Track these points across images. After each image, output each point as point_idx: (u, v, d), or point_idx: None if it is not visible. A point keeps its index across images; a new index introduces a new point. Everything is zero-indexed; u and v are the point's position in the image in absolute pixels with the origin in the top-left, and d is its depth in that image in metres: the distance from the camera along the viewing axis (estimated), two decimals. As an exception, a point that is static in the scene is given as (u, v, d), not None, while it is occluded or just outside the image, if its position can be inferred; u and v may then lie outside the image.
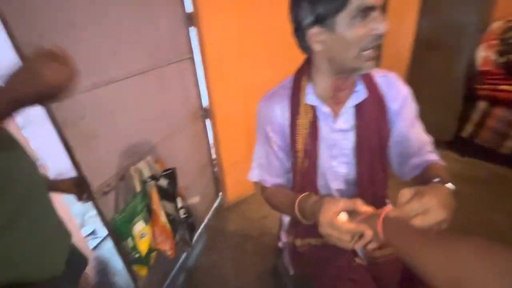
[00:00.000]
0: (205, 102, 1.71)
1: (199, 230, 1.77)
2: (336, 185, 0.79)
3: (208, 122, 1.78)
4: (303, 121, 0.71)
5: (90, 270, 1.52)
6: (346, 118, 0.71)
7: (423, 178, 0.65)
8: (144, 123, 1.21)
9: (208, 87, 1.64)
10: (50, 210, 0.69)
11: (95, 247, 1.79)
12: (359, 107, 0.70)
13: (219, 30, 1.51)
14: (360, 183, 0.75)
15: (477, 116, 2.13)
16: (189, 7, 1.43)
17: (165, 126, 1.37)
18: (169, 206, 1.16)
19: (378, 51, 0.59)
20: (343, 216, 0.53)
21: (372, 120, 0.70)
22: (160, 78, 1.28)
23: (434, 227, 0.46)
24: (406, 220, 0.47)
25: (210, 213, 1.96)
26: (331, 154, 0.74)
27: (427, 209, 0.46)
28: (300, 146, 0.72)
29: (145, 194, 1.10)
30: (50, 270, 0.65)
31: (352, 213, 0.54)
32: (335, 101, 0.71)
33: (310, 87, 0.70)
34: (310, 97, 0.70)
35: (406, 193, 0.50)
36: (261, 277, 1.46)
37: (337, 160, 0.75)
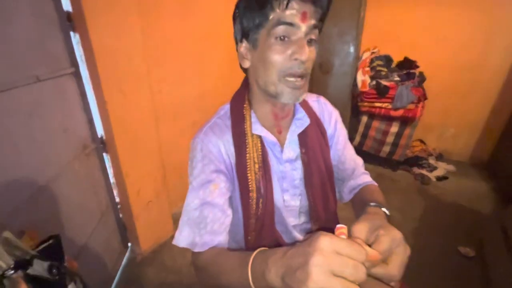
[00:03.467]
0: (100, 131, 1.29)
1: (104, 305, 1.29)
2: (292, 221, 0.71)
3: (106, 156, 1.35)
4: (253, 154, 0.61)
5: None
6: (292, 147, 0.67)
7: (360, 201, 0.66)
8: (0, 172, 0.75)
9: (103, 111, 1.25)
10: None
11: None
12: (302, 135, 0.67)
13: (114, 35, 1.17)
14: (314, 214, 0.70)
15: (362, 128, 2.59)
16: (67, 4, 1.04)
17: (40, 171, 0.92)
18: (55, 305, 0.73)
19: (305, 82, 0.55)
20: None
21: (317, 147, 0.68)
22: (23, 101, 0.85)
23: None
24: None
25: (119, 273, 1.48)
26: (282, 187, 0.67)
27: (397, 246, 0.39)
28: (252, 184, 0.61)
29: (4, 298, 0.65)
30: None
31: None
32: (278, 129, 0.66)
33: (253, 115, 0.63)
34: (255, 126, 0.62)
35: (361, 229, 0.41)
36: None
37: (288, 194, 0.68)
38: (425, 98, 2.30)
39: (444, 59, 2.51)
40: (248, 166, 0.61)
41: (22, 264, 0.71)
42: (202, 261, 0.54)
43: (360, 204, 0.65)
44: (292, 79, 0.53)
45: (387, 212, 0.53)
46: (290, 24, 0.50)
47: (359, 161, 0.76)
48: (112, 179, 1.41)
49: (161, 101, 1.59)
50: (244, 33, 0.56)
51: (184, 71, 1.72)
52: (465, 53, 2.42)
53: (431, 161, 2.60)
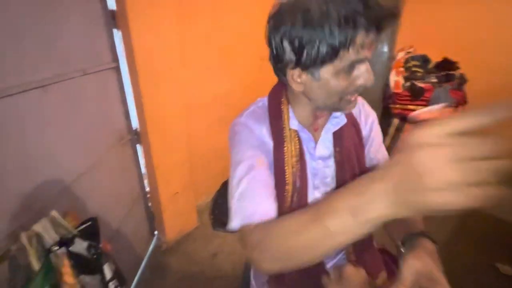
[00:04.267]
0: (135, 124, 1.37)
1: (131, 288, 1.36)
2: None
3: (139, 147, 1.43)
4: (290, 148, 0.61)
5: None
6: (326, 145, 0.66)
7: (399, 224, 0.60)
8: (47, 158, 0.83)
9: (139, 105, 1.31)
10: None
11: None
12: (337, 133, 0.66)
13: (153, 33, 1.23)
14: None
15: (393, 131, 2.47)
16: (112, 4, 1.11)
17: (80, 159, 1.00)
18: (92, 282, 0.79)
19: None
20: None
21: (351, 146, 0.67)
22: (70, 93, 0.92)
23: None
24: None
25: (145, 259, 1.56)
26: (313, 184, 0.67)
27: None
28: (289, 178, 0.60)
29: (51, 271, 0.72)
30: None
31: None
32: (314, 127, 0.66)
33: (291, 111, 0.63)
34: (293, 121, 0.62)
35: (411, 267, 0.41)
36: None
37: (319, 191, 0.67)
38: (465, 102, 2.14)
39: (486, 61, 2.31)
40: (286, 159, 0.61)
41: (65, 242, 0.77)
42: (258, 233, 0.47)
43: (398, 223, 0.60)
44: (352, 97, 0.54)
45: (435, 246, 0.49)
46: (361, 61, 0.48)
47: None
48: (143, 170, 1.49)
49: (192, 96, 1.63)
50: (299, 62, 0.49)
51: (214, 68, 1.76)
52: (508, 55, 2.21)
53: (469, 169, 2.41)
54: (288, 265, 0.43)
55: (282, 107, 0.63)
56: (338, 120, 0.65)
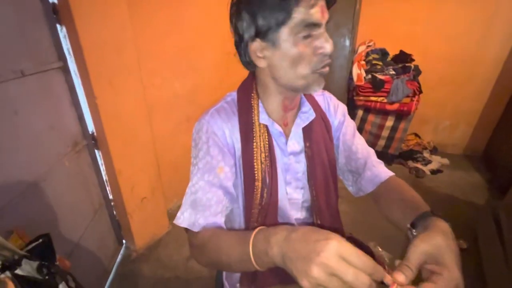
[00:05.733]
0: (91, 127, 1.26)
1: (99, 303, 1.28)
2: (294, 214, 0.71)
3: (98, 153, 1.33)
4: (260, 143, 0.61)
5: None
6: (297, 140, 0.67)
7: (401, 200, 0.58)
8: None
9: (93, 107, 1.21)
10: None
11: None
12: (307, 128, 0.66)
13: (104, 29, 1.14)
14: (316, 208, 0.69)
15: (358, 122, 2.58)
16: (52, -4, 1.00)
17: (26, 170, 0.89)
18: (45, 305, 0.72)
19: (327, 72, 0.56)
20: None
21: (321, 141, 0.68)
22: (7, 97, 0.82)
23: None
24: None
25: (113, 271, 1.47)
26: (285, 180, 0.67)
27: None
28: (258, 174, 0.60)
29: (-9, 300, 0.64)
30: None
31: None
32: (284, 122, 0.66)
33: (261, 105, 0.62)
34: (263, 116, 0.62)
35: (418, 252, 0.38)
36: None
37: (291, 186, 0.69)
38: (420, 92, 2.30)
39: (440, 52, 2.50)
40: (255, 155, 0.60)
41: (10, 265, 0.69)
42: (200, 238, 0.55)
43: (398, 202, 0.59)
44: (318, 70, 0.54)
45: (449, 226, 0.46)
46: (315, 25, 0.50)
47: (371, 150, 0.73)
48: (104, 176, 1.39)
49: (154, 95, 1.56)
50: (258, 32, 0.52)
51: (177, 64, 1.69)
52: (461, 45, 2.42)
53: (426, 154, 2.61)
54: (219, 268, 0.54)
55: (252, 101, 0.62)
56: (307, 115, 0.65)
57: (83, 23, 1.05)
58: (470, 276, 1.43)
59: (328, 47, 0.52)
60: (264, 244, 0.40)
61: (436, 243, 0.39)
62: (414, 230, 0.48)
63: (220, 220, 0.57)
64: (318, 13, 0.49)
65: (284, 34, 0.50)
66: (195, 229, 0.55)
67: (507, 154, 2.09)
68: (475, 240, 1.60)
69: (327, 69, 0.55)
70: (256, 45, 0.54)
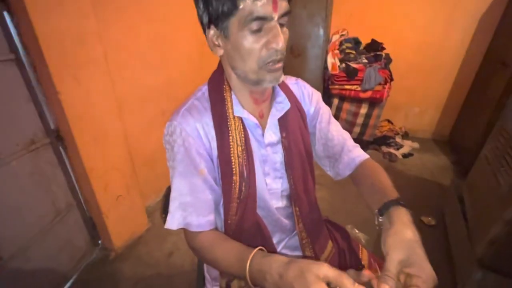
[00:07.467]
0: (53, 124, 1.18)
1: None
2: (275, 203, 0.72)
3: (62, 150, 1.25)
4: (235, 137, 0.60)
5: None
6: (273, 131, 0.66)
7: (371, 185, 0.63)
8: None
9: (55, 102, 1.13)
10: None
11: None
12: (283, 119, 0.66)
13: (62, 19, 1.05)
14: (295, 196, 0.70)
15: (333, 111, 2.64)
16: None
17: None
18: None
19: (282, 63, 0.55)
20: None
21: (297, 130, 0.68)
22: None
23: None
24: None
25: (87, 273, 1.41)
26: (263, 171, 0.67)
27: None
28: (236, 168, 0.60)
29: None
30: None
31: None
32: (259, 114, 0.65)
33: (234, 97, 0.61)
34: (237, 108, 0.60)
35: (394, 260, 0.43)
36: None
37: (270, 177, 0.69)
38: (392, 79, 2.38)
39: (409, 40, 2.60)
40: (232, 149, 0.59)
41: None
42: (198, 243, 0.58)
43: (369, 187, 0.64)
44: (271, 66, 0.52)
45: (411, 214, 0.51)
46: (264, 18, 0.47)
47: (347, 135, 0.75)
48: (73, 176, 1.32)
49: (124, 89, 1.48)
50: (211, 19, 0.51)
51: (148, 56, 1.62)
52: (427, 34, 2.53)
53: (398, 139, 2.74)
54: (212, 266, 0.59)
55: (224, 94, 0.60)
56: (282, 105, 0.65)
57: (37, 10, 0.96)
58: (439, 249, 1.54)
59: (278, 42, 0.49)
60: (260, 275, 0.46)
61: (408, 244, 0.44)
62: (380, 217, 0.53)
63: (212, 218, 0.60)
64: (266, 6, 0.46)
65: (234, 25, 0.49)
66: (192, 229, 0.58)
67: (469, 138, 2.24)
68: (442, 217, 1.72)
69: (278, 65, 0.53)
70: (212, 33, 0.53)
